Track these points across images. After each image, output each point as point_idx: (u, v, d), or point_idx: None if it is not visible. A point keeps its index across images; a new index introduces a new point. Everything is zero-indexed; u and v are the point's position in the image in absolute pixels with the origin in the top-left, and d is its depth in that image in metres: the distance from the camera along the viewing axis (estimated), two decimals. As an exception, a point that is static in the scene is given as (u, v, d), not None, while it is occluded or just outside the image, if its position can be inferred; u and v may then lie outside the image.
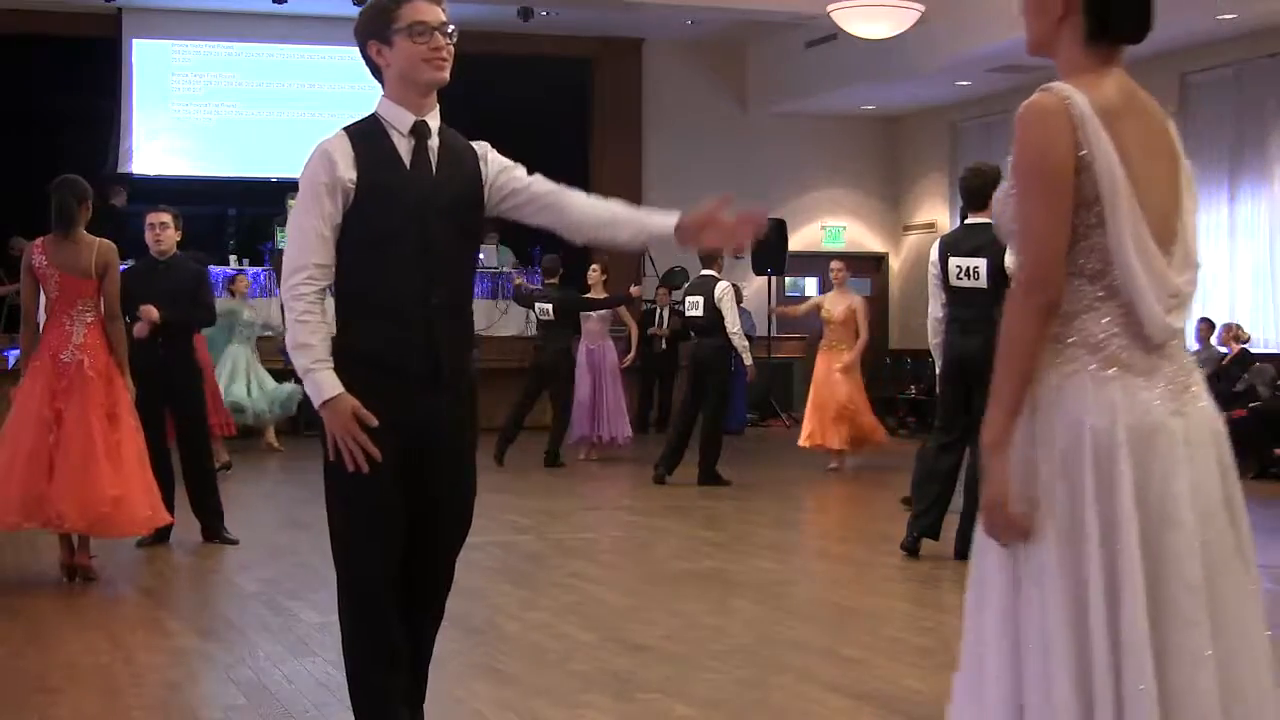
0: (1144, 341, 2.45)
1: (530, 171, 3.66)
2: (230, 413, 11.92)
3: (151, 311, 7.60)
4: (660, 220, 3.54)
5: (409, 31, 3.45)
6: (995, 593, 2.50)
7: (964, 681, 2.57)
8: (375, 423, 3.37)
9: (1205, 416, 2.49)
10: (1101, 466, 2.39)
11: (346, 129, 3.54)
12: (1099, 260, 2.45)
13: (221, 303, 12.21)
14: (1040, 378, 2.48)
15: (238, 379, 12.74)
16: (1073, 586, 2.38)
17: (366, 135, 3.51)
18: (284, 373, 12.26)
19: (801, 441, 11.96)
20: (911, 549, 7.64)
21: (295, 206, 3.52)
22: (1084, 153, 2.41)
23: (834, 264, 12.26)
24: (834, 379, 11.68)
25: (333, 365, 3.39)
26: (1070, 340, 2.47)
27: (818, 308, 12.15)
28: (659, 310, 16.25)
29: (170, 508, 7.39)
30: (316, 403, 3.39)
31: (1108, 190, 2.42)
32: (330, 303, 3.48)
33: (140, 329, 7.55)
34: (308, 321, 3.40)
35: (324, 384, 3.37)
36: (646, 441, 15.47)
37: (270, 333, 13.28)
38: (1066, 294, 2.46)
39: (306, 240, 3.44)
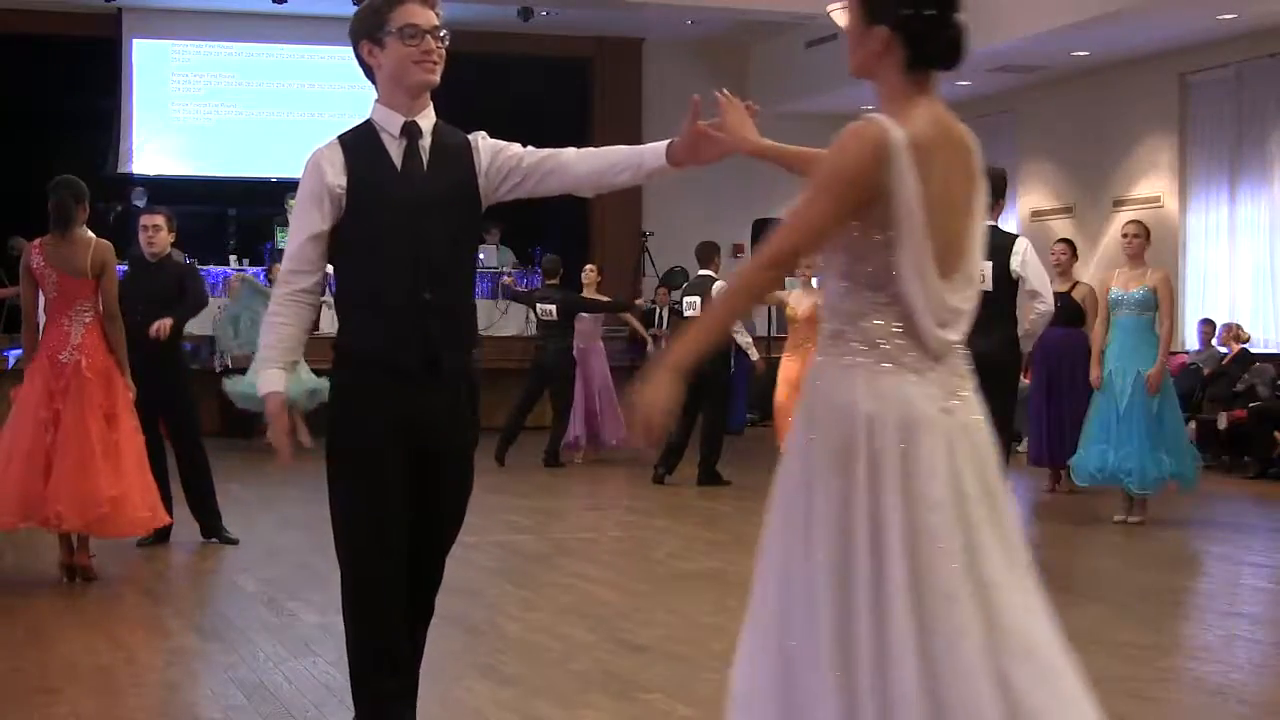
0: (920, 348, 2.68)
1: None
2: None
3: (165, 326, 7.59)
4: (653, 152, 3.55)
5: (400, 34, 3.47)
6: (777, 556, 2.74)
7: (746, 634, 2.85)
8: (309, 444, 3.49)
9: (969, 415, 2.73)
10: (873, 448, 2.61)
11: (340, 136, 3.58)
12: (884, 275, 2.66)
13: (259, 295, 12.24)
14: (821, 370, 2.73)
15: None
16: (842, 553, 2.59)
17: (358, 140, 3.55)
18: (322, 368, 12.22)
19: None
20: None
21: (293, 212, 3.61)
22: (889, 183, 2.61)
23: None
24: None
25: (282, 364, 3.51)
26: (852, 339, 2.70)
27: (781, 304, 11.40)
28: (658, 310, 16.25)
29: (168, 508, 7.38)
30: (261, 394, 3.51)
31: (904, 222, 2.63)
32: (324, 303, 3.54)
33: (160, 328, 7.54)
34: (272, 321, 3.54)
35: (268, 380, 3.50)
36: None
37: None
38: (850, 298, 2.70)
39: (291, 247, 3.55)
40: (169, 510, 7.39)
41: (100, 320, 6.89)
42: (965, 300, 2.74)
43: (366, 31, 3.52)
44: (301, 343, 3.55)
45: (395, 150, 3.53)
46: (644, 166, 3.56)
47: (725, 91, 3.42)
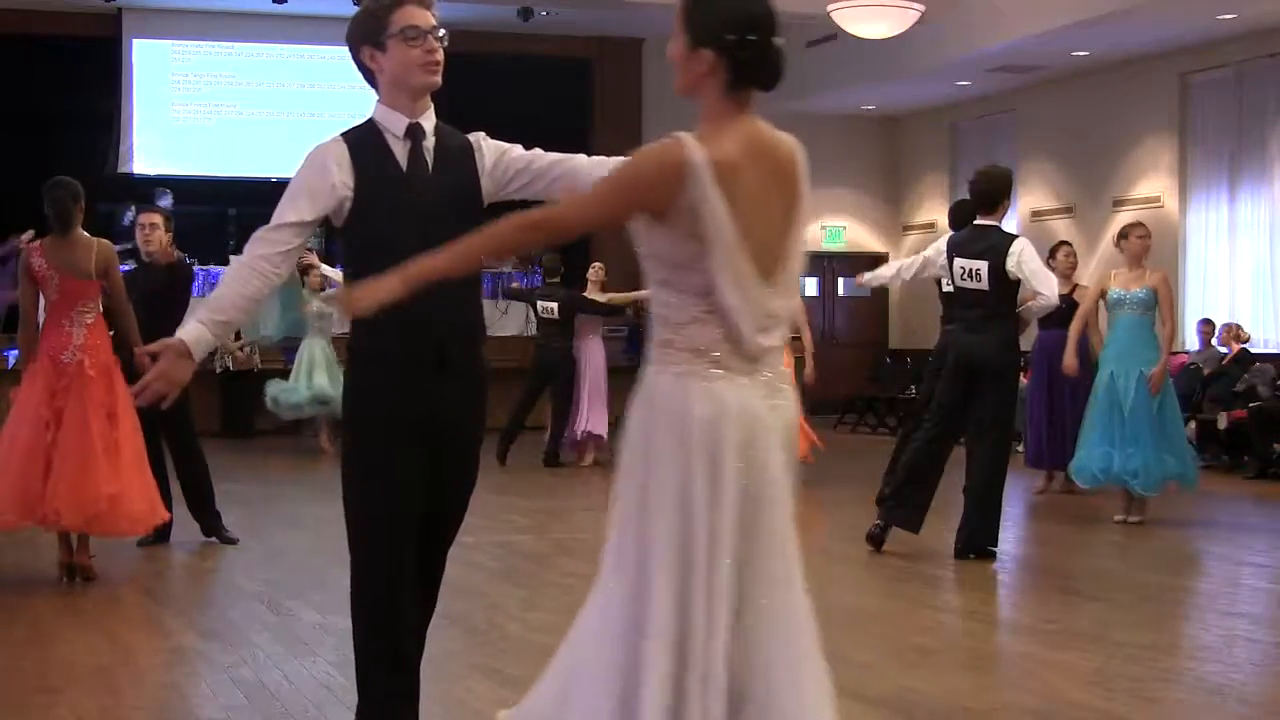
0: (742, 351, 2.87)
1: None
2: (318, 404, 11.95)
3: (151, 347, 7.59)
4: None
5: (402, 36, 3.47)
6: (627, 548, 2.92)
7: (589, 607, 2.97)
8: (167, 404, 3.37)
9: (788, 414, 2.97)
10: (708, 450, 2.82)
11: (343, 136, 3.56)
12: (704, 284, 2.84)
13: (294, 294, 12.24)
14: (656, 379, 2.91)
15: (318, 371, 12.58)
16: (680, 542, 2.81)
17: (363, 141, 3.54)
18: None
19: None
20: (879, 539, 7.63)
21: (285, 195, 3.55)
22: (693, 200, 2.80)
23: None
24: None
25: (208, 323, 3.37)
26: (680, 346, 2.88)
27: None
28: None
29: (167, 505, 7.39)
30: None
31: (713, 235, 2.80)
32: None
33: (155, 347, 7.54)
34: (222, 279, 3.50)
35: (184, 330, 3.37)
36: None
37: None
38: (676, 308, 2.88)
39: (271, 224, 3.49)
40: (169, 506, 7.39)
41: (101, 320, 6.93)
42: (785, 307, 2.93)
43: (366, 36, 3.52)
44: (241, 310, 3.45)
45: (400, 152, 3.54)
46: None
47: None
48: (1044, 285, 7.45)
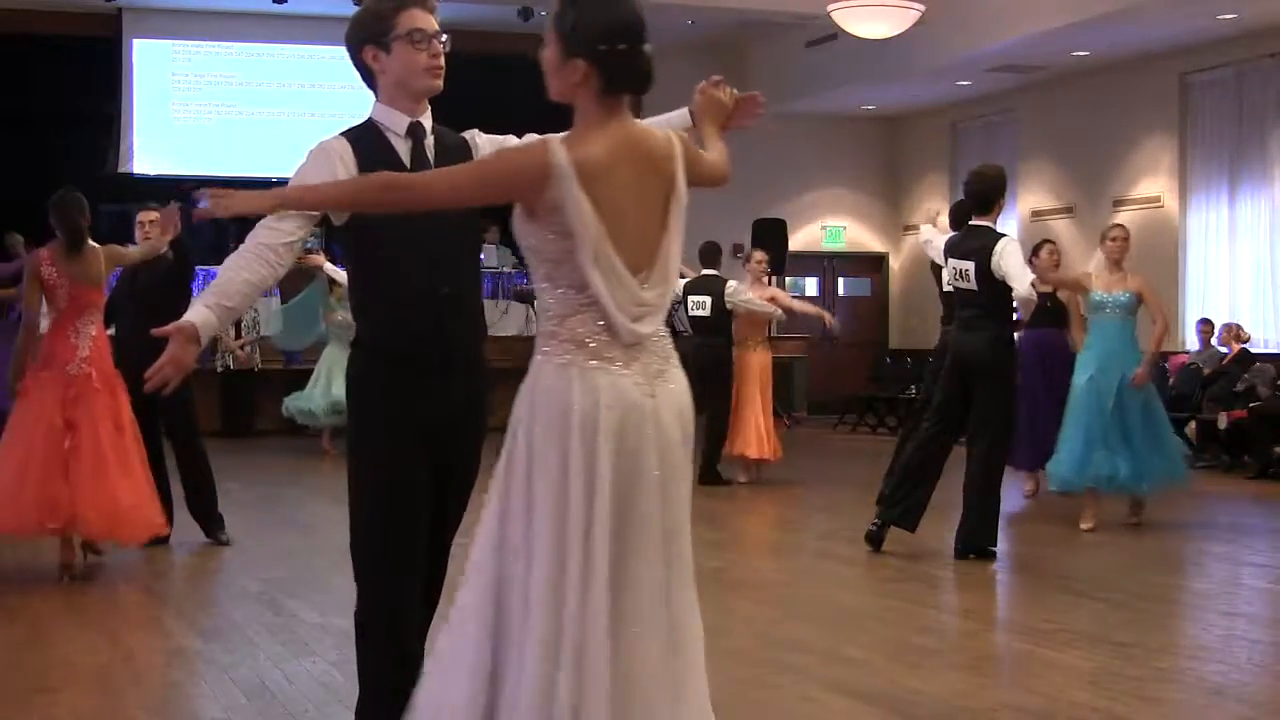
0: (620, 341, 3.00)
1: None
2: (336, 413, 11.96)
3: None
4: (678, 120, 3.60)
5: (409, 38, 3.48)
6: (489, 541, 3.04)
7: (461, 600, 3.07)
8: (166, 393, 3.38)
9: (674, 397, 3.07)
10: (586, 439, 2.94)
11: (345, 134, 3.56)
12: (580, 278, 2.97)
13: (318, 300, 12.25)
14: (539, 369, 3.02)
15: (337, 382, 12.46)
16: (558, 530, 2.93)
17: (366, 139, 3.54)
18: None
19: (749, 451, 11.12)
20: (877, 539, 7.63)
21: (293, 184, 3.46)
22: (558, 199, 2.94)
23: (757, 254, 11.66)
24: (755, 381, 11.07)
25: (211, 305, 3.35)
26: (563, 338, 3.00)
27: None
28: None
29: (170, 509, 7.43)
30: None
31: (580, 232, 2.94)
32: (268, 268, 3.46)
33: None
34: (226, 264, 3.43)
35: (191, 313, 3.34)
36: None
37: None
38: (557, 301, 3.00)
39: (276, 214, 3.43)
40: (170, 511, 7.43)
41: (103, 330, 7.03)
42: (659, 297, 3.06)
43: (370, 36, 3.52)
44: (246, 296, 3.43)
45: (403, 150, 3.55)
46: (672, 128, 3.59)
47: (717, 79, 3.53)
48: (1017, 281, 7.42)
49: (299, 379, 13.42)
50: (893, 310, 19.93)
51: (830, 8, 14.10)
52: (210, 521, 7.95)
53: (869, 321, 20.01)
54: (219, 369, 14.61)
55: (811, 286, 19.57)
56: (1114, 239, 8.67)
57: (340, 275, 12.37)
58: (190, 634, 5.78)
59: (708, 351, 10.95)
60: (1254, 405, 12.02)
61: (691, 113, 3.57)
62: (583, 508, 2.93)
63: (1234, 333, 13.32)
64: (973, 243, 7.55)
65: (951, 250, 7.72)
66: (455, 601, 3.09)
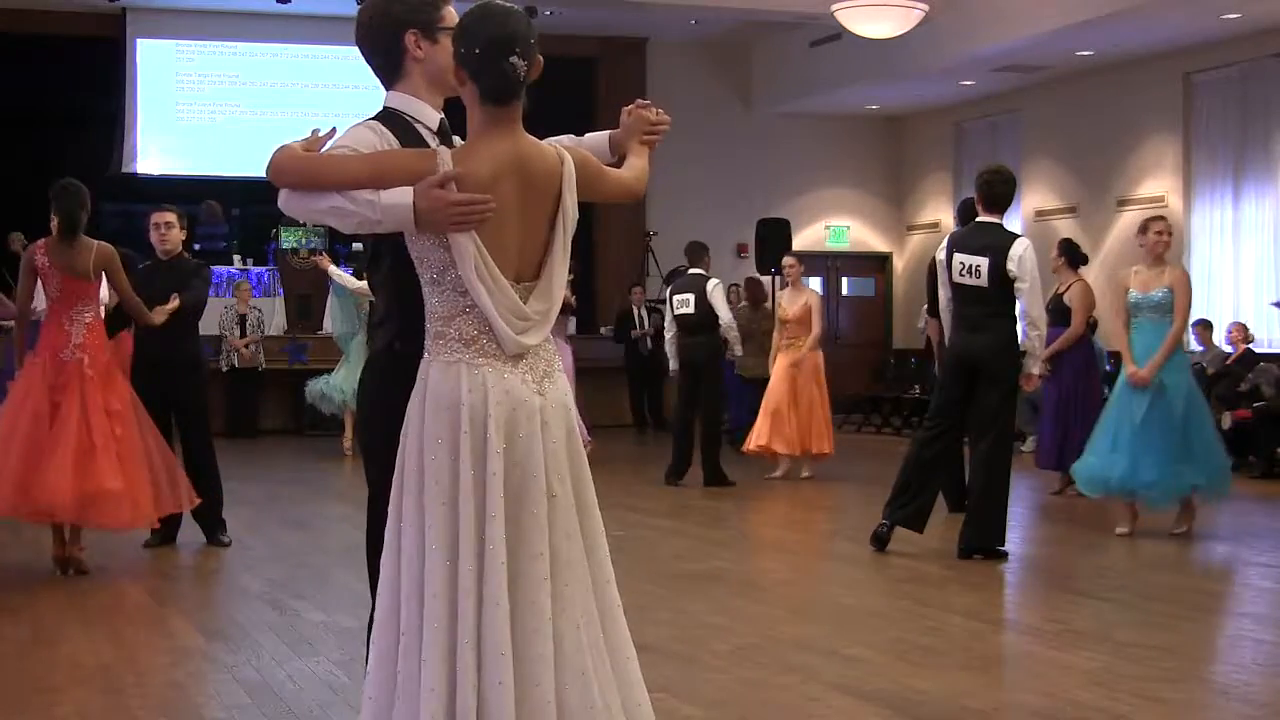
0: (505, 351, 3.07)
1: None
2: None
3: (160, 313, 7.51)
4: (593, 141, 3.66)
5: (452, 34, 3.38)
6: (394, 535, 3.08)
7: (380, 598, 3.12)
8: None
9: (559, 394, 3.14)
10: (475, 434, 3.00)
11: (379, 120, 3.38)
12: (463, 285, 3.04)
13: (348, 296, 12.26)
14: (428, 367, 3.09)
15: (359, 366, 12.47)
16: (450, 525, 2.98)
17: (400, 130, 3.38)
18: None
19: (748, 447, 11.53)
20: (884, 540, 7.62)
21: (335, 149, 3.20)
22: None
23: (786, 260, 11.86)
24: (792, 379, 11.27)
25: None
26: (450, 337, 3.07)
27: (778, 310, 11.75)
28: (635, 310, 16.27)
29: (194, 493, 7.46)
30: (406, 218, 3.03)
31: (460, 245, 2.99)
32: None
33: (159, 315, 7.47)
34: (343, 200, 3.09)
35: (398, 194, 3.03)
36: (645, 441, 15.51)
37: None
38: (443, 303, 3.07)
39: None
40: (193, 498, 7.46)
41: (100, 323, 7.05)
42: (541, 310, 3.11)
43: (417, 21, 3.40)
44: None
45: (433, 144, 3.46)
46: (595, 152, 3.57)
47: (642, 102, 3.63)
48: (1033, 306, 7.41)
49: (302, 378, 13.43)
50: (896, 310, 19.91)
51: (834, 7, 14.10)
52: (213, 526, 7.94)
53: (872, 321, 20.00)
54: (224, 368, 14.63)
55: (815, 287, 19.55)
56: (1158, 232, 8.20)
57: (347, 280, 12.37)
58: (193, 633, 5.78)
59: (697, 350, 10.95)
60: (1258, 405, 12.01)
61: (611, 138, 3.65)
62: (474, 502, 2.98)
63: (1242, 333, 13.30)
64: (984, 239, 7.52)
65: (959, 244, 7.62)
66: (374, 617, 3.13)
